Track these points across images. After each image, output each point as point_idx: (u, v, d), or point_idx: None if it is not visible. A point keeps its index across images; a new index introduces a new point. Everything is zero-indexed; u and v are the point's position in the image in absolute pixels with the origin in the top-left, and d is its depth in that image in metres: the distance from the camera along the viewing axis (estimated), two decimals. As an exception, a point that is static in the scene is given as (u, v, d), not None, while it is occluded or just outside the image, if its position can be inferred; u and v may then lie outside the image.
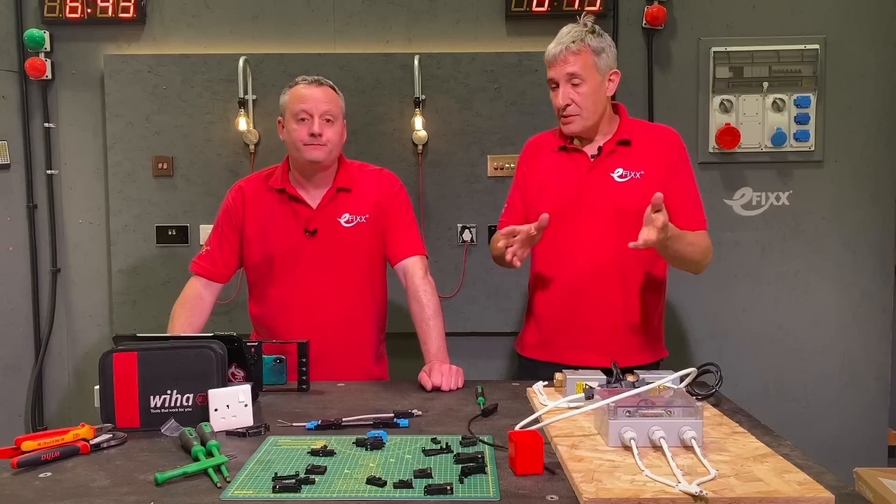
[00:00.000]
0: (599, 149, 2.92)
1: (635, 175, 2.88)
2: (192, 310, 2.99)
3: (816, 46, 3.98)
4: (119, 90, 4.05)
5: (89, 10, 4.03)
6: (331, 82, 2.93)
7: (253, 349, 2.56)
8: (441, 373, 2.66)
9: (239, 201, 3.03)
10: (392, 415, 2.29)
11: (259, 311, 3.07)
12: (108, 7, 4.02)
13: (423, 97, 4.01)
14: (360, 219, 2.99)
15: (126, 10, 4.03)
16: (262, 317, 3.06)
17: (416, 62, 3.97)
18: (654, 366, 2.94)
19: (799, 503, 1.67)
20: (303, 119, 2.86)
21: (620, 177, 2.89)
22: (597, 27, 2.90)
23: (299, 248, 2.96)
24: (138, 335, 2.41)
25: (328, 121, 2.88)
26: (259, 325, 3.08)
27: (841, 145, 4.05)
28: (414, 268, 3.00)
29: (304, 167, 2.93)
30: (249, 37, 4.09)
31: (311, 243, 2.96)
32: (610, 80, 2.91)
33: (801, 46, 3.99)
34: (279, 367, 2.67)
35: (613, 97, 2.97)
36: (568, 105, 2.86)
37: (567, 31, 2.88)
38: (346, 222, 2.98)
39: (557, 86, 2.88)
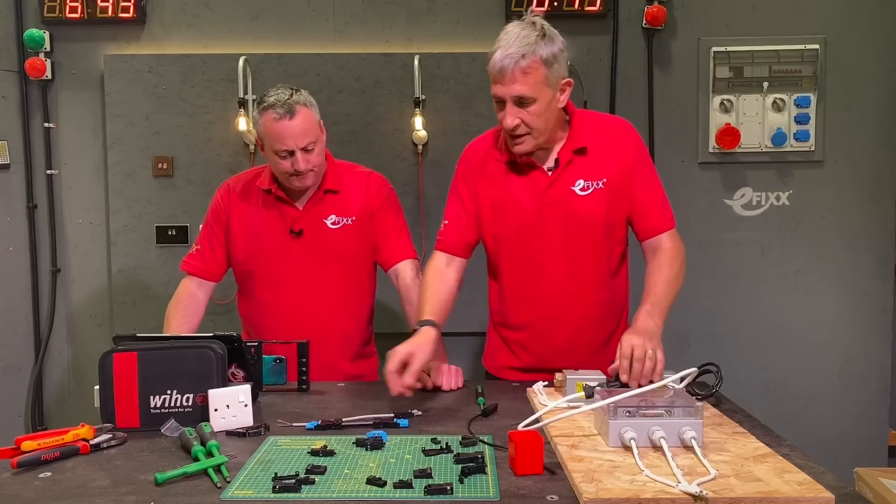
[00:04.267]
0: (556, 161, 2.69)
1: (598, 185, 2.68)
2: (187, 310, 2.99)
3: (816, 46, 3.99)
4: (119, 90, 4.05)
5: (89, 10, 4.03)
6: (303, 96, 2.87)
7: (253, 349, 2.56)
8: (441, 372, 2.63)
9: (226, 200, 3.04)
10: (392, 415, 2.28)
11: (246, 309, 3.08)
12: (108, 7, 4.02)
13: (423, 97, 4.01)
14: (347, 220, 2.98)
15: (126, 10, 4.03)
16: (249, 315, 3.07)
17: (416, 62, 3.97)
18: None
19: (799, 503, 1.67)
20: (284, 156, 2.83)
21: (582, 189, 2.68)
22: (546, 27, 2.56)
23: (285, 249, 2.97)
24: (138, 335, 2.41)
25: (309, 150, 2.84)
26: (247, 324, 3.09)
27: (841, 145, 4.06)
28: (405, 271, 2.98)
29: (290, 187, 2.94)
30: (249, 37, 4.09)
31: (297, 244, 2.95)
32: (562, 90, 2.59)
33: (802, 46, 3.99)
34: (279, 367, 2.65)
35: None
36: (517, 126, 2.57)
37: (514, 37, 2.51)
38: (333, 223, 2.97)
39: (503, 102, 2.57)
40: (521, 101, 2.53)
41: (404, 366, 2.35)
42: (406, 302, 2.96)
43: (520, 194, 2.72)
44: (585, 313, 2.74)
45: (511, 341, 2.87)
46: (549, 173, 2.69)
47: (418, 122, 4.01)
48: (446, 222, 2.85)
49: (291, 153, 2.83)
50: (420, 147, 4.03)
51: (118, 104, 4.06)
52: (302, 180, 2.88)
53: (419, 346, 2.41)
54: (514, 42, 2.49)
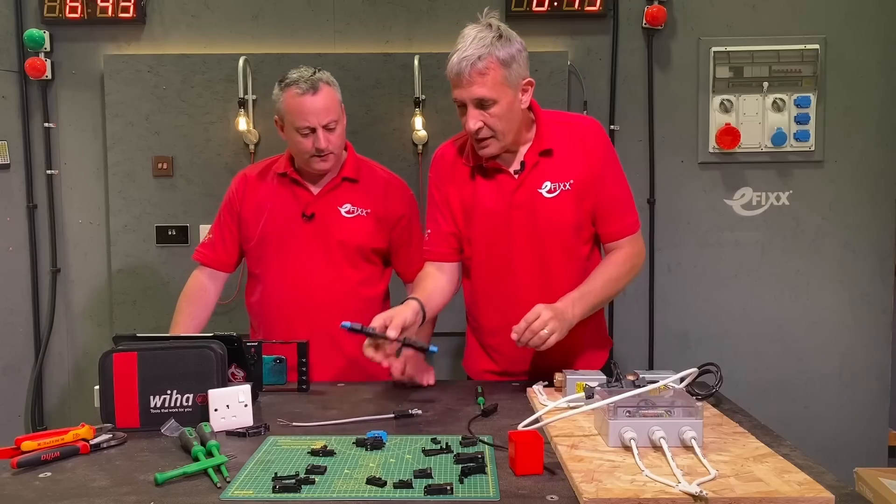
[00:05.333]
0: (522, 163, 2.67)
1: (564, 186, 2.65)
2: (197, 303, 3.00)
3: (816, 46, 3.99)
4: (119, 90, 4.05)
5: (89, 10, 4.02)
6: (325, 75, 2.88)
7: (253, 349, 2.56)
8: (421, 370, 2.67)
9: (241, 187, 3.04)
10: (392, 415, 2.29)
11: (254, 298, 3.05)
12: (107, 7, 4.02)
13: (424, 97, 4.01)
14: (362, 212, 2.96)
15: (126, 10, 4.03)
16: (256, 302, 3.04)
17: (416, 62, 3.97)
18: (609, 360, 2.83)
19: (799, 503, 1.67)
20: (306, 133, 2.81)
21: (549, 192, 2.66)
22: (503, 28, 2.54)
23: (295, 231, 2.96)
24: (138, 335, 2.41)
25: (331, 129, 2.82)
26: (254, 312, 3.06)
27: (841, 145, 4.06)
28: None
29: (310, 171, 2.93)
30: (249, 37, 4.09)
31: (308, 228, 2.93)
32: (524, 90, 2.58)
33: (801, 46, 3.99)
34: (279, 367, 2.66)
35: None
36: (480, 128, 2.54)
37: (470, 40, 2.50)
38: (347, 212, 2.95)
39: (465, 106, 2.55)
40: (482, 104, 2.51)
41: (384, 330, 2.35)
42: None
43: (487, 198, 2.71)
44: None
45: (486, 345, 2.87)
46: (516, 176, 2.68)
47: (418, 122, 4.01)
48: (428, 231, 2.85)
49: (313, 130, 2.81)
50: (420, 147, 4.03)
51: (118, 104, 4.06)
52: (322, 162, 2.87)
53: (397, 310, 2.44)
54: (470, 45, 2.49)
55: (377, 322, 2.37)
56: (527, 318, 2.39)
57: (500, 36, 2.51)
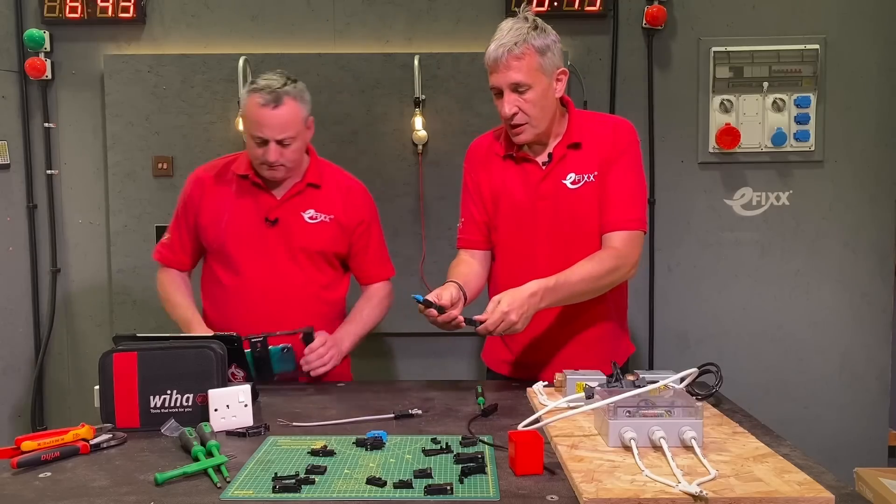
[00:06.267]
0: (550, 155, 2.76)
1: (589, 178, 2.73)
2: (181, 283, 3.08)
3: (816, 46, 3.99)
4: (119, 90, 4.05)
5: (89, 10, 4.02)
6: (294, 88, 2.86)
7: (259, 344, 2.58)
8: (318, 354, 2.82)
9: (197, 192, 3.01)
10: (392, 415, 2.30)
11: (212, 300, 3.04)
12: (107, 7, 4.02)
13: (424, 97, 4.01)
14: (325, 218, 2.97)
15: (126, 10, 4.03)
16: (216, 306, 3.02)
17: (416, 62, 3.98)
18: (625, 365, 2.87)
19: (799, 503, 1.68)
20: (259, 142, 2.81)
21: (573, 183, 2.74)
22: (539, 21, 2.67)
23: (257, 237, 2.94)
24: (138, 335, 2.42)
25: (286, 144, 2.82)
26: (212, 316, 3.03)
27: (841, 145, 4.06)
28: (378, 291, 3.11)
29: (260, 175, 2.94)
30: (249, 37, 4.10)
31: (271, 233, 2.93)
32: (558, 80, 2.68)
33: (802, 46, 3.99)
34: (287, 355, 2.72)
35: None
36: (515, 114, 2.65)
37: (507, 30, 2.63)
38: (311, 218, 2.96)
39: (501, 93, 2.66)
40: (518, 88, 2.61)
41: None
42: (355, 309, 3.09)
43: (514, 187, 2.79)
44: (578, 306, 2.73)
45: (508, 338, 2.87)
46: (543, 167, 2.76)
47: (418, 122, 4.01)
48: (462, 220, 2.94)
49: (266, 142, 2.81)
50: (420, 147, 4.03)
51: (118, 104, 4.06)
52: (270, 172, 2.87)
53: (443, 288, 2.58)
54: (507, 34, 2.60)
55: (432, 296, 2.50)
56: (489, 310, 2.46)
57: (536, 27, 2.63)
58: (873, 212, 4.07)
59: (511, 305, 2.45)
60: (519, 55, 2.58)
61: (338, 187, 3.04)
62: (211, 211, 2.97)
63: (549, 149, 2.77)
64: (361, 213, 3.05)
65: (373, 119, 4.05)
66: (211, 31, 4.10)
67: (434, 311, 2.48)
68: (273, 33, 4.10)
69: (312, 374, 2.80)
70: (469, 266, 2.84)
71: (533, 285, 2.51)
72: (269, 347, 2.69)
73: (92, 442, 2.08)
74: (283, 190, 2.96)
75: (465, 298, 2.63)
